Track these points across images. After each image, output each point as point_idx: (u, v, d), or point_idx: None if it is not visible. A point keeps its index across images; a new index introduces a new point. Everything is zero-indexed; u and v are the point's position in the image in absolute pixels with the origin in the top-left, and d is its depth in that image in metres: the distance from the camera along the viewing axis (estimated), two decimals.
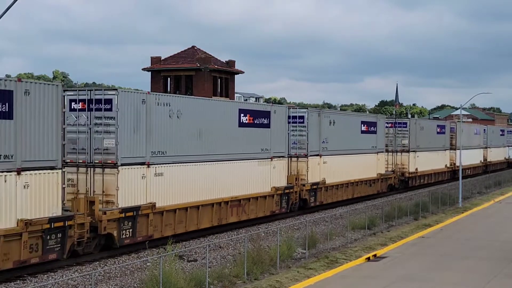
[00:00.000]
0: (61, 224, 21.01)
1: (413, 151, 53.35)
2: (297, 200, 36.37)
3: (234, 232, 30.14)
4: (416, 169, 53.78)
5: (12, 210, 19.52)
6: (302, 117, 38.07)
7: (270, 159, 33.46)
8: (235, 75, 60.66)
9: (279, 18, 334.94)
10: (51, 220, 20.65)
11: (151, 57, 58.55)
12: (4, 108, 19.33)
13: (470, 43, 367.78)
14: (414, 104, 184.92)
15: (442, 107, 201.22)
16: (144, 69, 58.66)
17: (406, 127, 52.90)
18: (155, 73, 58.21)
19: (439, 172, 59.59)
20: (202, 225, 28.10)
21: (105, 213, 22.88)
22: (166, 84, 58.33)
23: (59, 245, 21.13)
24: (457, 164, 58.19)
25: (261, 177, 32.58)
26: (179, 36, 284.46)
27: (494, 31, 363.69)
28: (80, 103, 24.04)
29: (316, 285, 20.09)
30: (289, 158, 36.43)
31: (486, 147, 76.06)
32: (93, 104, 24.14)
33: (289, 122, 36.41)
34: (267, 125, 33.39)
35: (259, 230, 29.20)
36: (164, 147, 25.95)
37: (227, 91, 59.15)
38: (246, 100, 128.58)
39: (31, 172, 20.05)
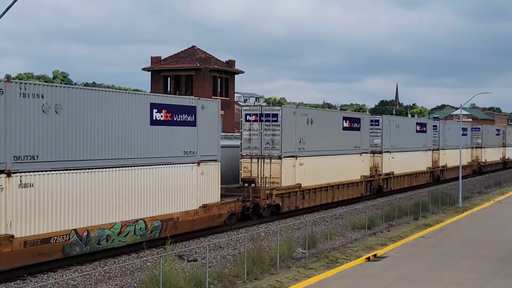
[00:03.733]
0: (370, 179, 45.73)
1: (484, 148, 75.32)
2: (437, 176, 60.26)
3: (234, 232, 30.19)
4: (486, 160, 76.10)
5: (358, 171, 43.50)
6: (435, 126, 60.54)
7: (426, 151, 57.57)
8: (235, 75, 60.70)
9: (279, 18, 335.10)
10: (370, 176, 45.63)
11: (151, 57, 58.59)
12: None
13: (470, 43, 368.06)
14: (414, 104, 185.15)
15: (442, 107, 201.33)
16: (144, 69, 58.70)
17: (480, 131, 74.70)
18: (155, 73, 58.25)
19: (497, 162, 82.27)
20: (405, 185, 52.23)
21: (380, 175, 47.41)
22: (166, 84, 58.35)
23: (369, 189, 45.67)
24: (507, 157, 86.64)
25: (423, 160, 56.90)
26: (179, 35, 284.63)
27: (494, 31, 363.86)
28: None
29: (316, 285, 20.09)
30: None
31: None
32: (372, 123, 47.79)
33: (433, 129, 60.02)
34: (425, 131, 57.46)
35: (259, 230, 29.21)
36: (394, 143, 49.97)
37: (227, 91, 59.18)
38: (246, 100, 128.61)
39: (364, 154, 44.48)
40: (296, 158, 35.70)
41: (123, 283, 19.96)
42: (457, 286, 20.25)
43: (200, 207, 27.70)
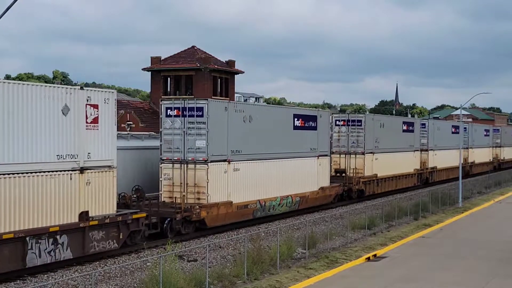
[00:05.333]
0: (421, 172, 54.95)
1: (502, 147, 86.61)
2: (467, 171, 66.79)
3: (234, 232, 30.20)
4: (504, 157, 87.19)
5: (412, 165, 52.74)
6: (465, 128, 68.16)
7: (458, 149, 62.32)
8: (235, 75, 60.66)
9: (279, 18, 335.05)
10: (420, 170, 54.79)
11: (151, 57, 58.50)
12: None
13: (470, 43, 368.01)
14: (414, 104, 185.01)
15: (442, 107, 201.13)
16: (144, 69, 58.63)
17: (499, 132, 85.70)
18: (155, 73, 58.18)
19: None
20: (444, 178, 61.05)
21: (427, 168, 56.51)
22: (166, 84, 58.31)
23: (419, 180, 54.54)
24: None
25: (457, 157, 60.27)
26: (179, 35, 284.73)
27: (494, 31, 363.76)
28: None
29: (316, 285, 20.09)
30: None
31: None
32: (420, 126, 56.80)
33: (464, 130, 67.34)
34: (458, 132, 63.61)
35: (259, 230, 29.22)
36: (436, 143, 59.20)
37: (227, 91, 59.12)
38: (246, 100, 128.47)
39: (416, 151, 54.78)
40: (373, 154, 46.05)
41: (123, 283, 19.97)
42: (457, 286, 20.25)
43: (319, 188, 38.26)
